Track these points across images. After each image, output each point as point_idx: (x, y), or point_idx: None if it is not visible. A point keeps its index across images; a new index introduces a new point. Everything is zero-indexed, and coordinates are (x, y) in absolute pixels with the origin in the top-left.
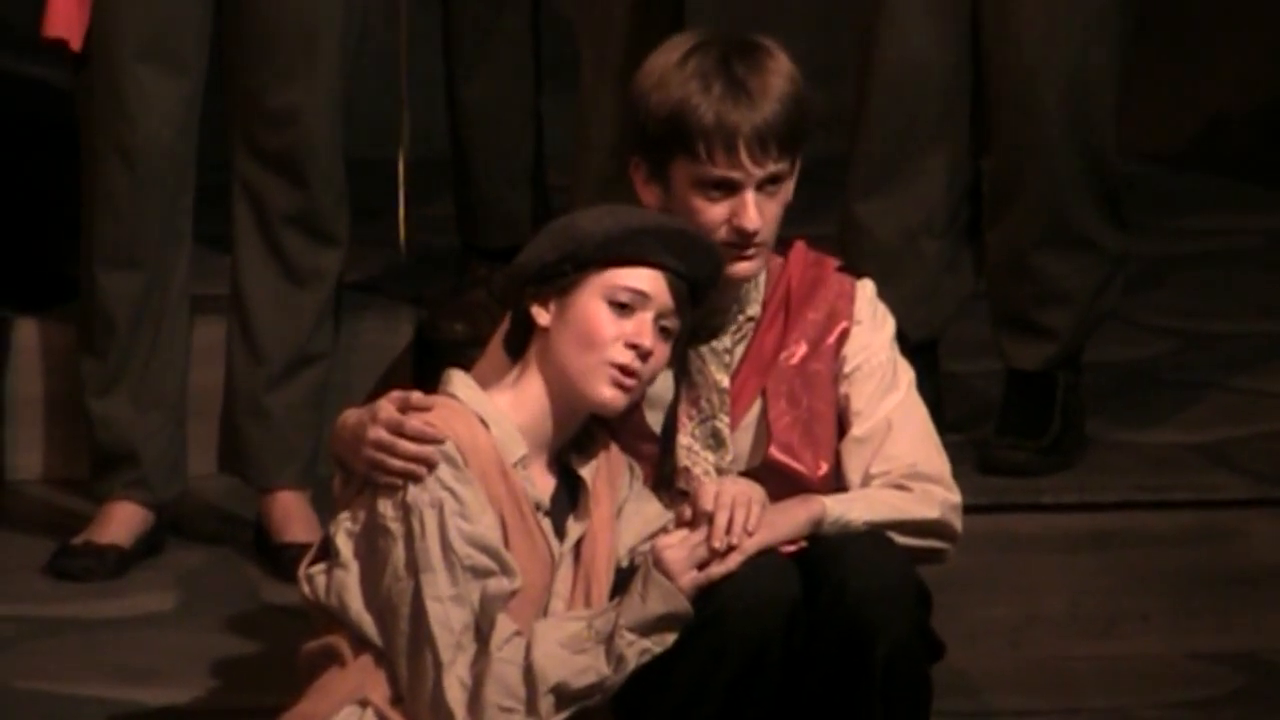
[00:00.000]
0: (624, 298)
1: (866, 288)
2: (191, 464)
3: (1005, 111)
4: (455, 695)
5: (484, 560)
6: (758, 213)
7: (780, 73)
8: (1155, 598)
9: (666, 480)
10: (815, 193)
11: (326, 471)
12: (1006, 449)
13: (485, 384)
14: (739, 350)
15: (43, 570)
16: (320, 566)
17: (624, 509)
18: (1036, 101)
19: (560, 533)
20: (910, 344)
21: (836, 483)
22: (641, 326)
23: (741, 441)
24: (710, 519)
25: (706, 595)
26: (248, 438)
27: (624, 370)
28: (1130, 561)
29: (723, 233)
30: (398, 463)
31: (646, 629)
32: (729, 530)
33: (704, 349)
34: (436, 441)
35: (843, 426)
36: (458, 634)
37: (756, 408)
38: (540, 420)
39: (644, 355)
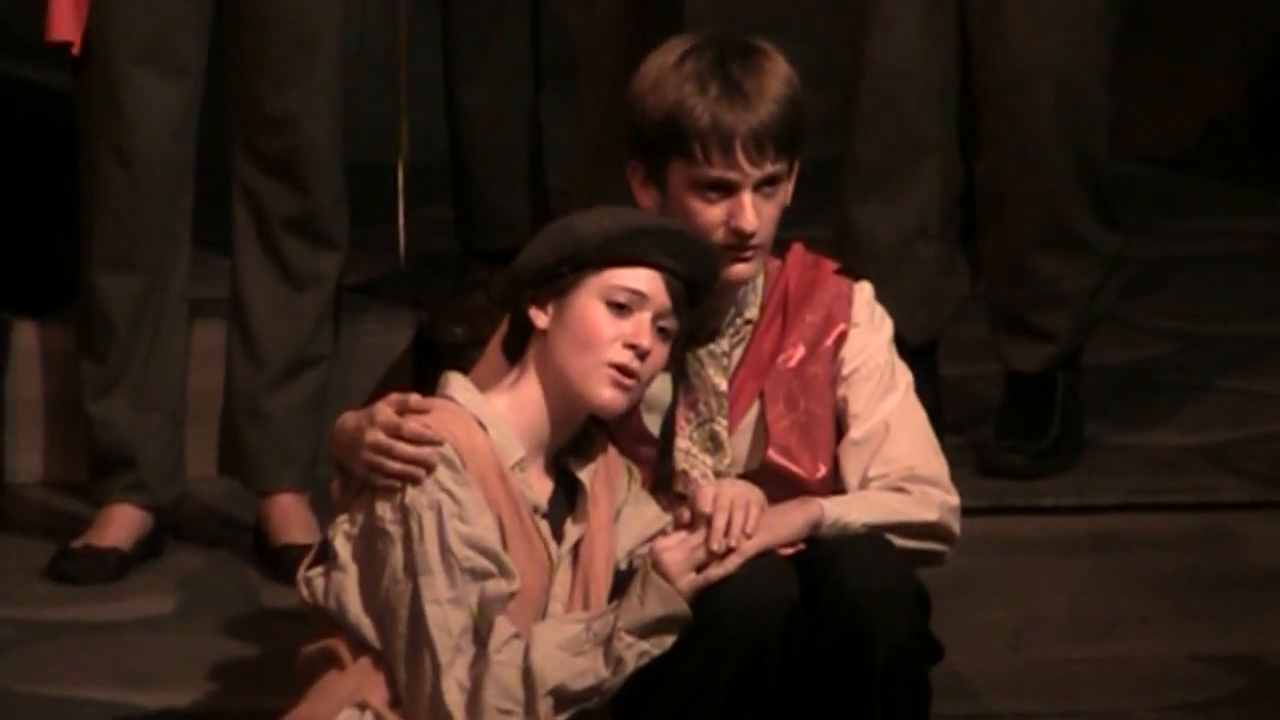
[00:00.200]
0: (622, 298)
1: (864, 290)
2: (191, 467)
3: (996, 114)
4: (454, 697)
5: (482, 562)
6: (755, 214)
7: (777, 74)
8: (1155, 600)
9: (665, 483)
10: (813, 195)
11: (326, 474)
12: (1006, 451)
13: (483, 387)
14: (737, 353)
15: (42, 574)
16: (319, 569)
17: (622, 511)
18: (1027, 104)
19: (558, 535)
20: (909, 347)
21: (835, 485)
22: (639, 327)
23: (739, 444)
24: (709, 521)
25: (705, 598)
26: (247, 441)
27: (622, 370)
28: (1129, 564)
29: (720, 234)
30: (396, 465)
31: (645, 631)
32: (727, 533)
33: (702, 352)
34: (435, 443)
35: (841, 429)
36: (456, 636)
37: (754, 410)
38: (538, 423)
39: (642, 355)
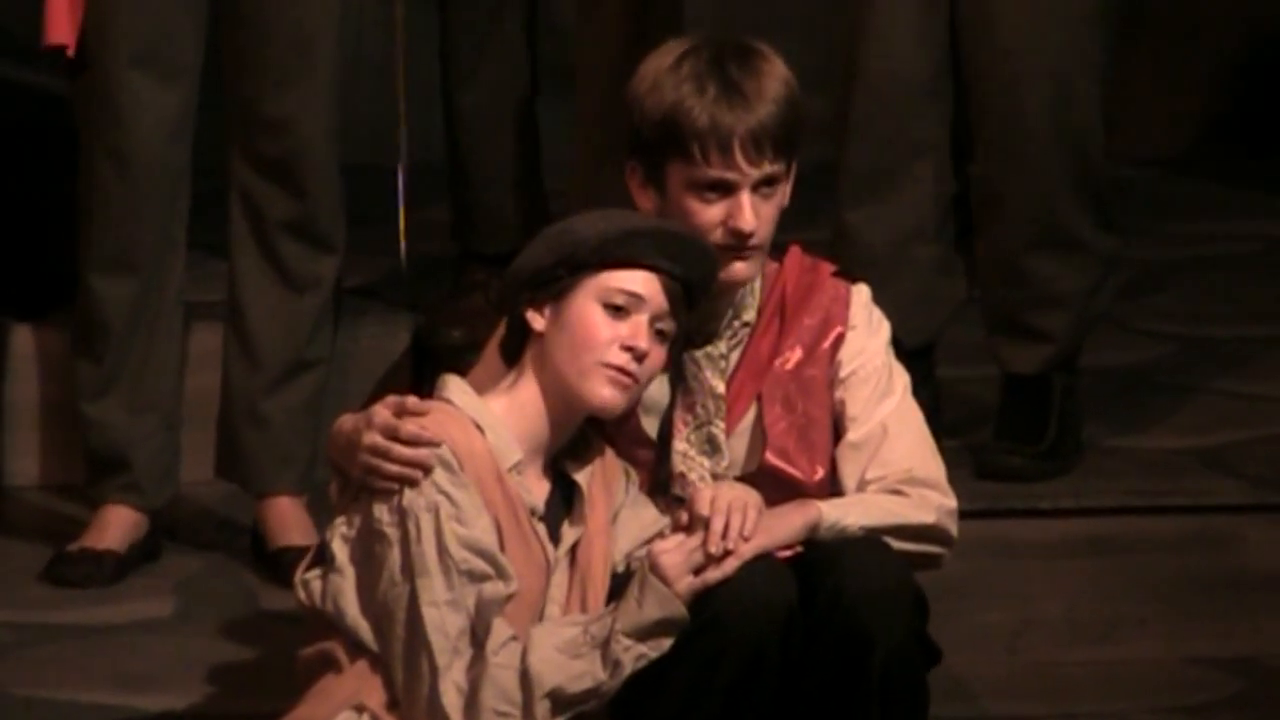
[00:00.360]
0: (619, 300)
1: (862, 292)
2: (189, 470)
3: (990, 117)
4: (451, 700)
5: (480, 564)
6: (753, 214)
7: (775, 75)
8: (1152, 603)
9: (663, 486)
10: (812, 197)
11: (324, 477)
12: (1003, 454)
13: (481, 389)
14: (734, 356)
15: (40, 577)
16: (316, 572)
17: (620, 514)
18: (1020, 105)
19: (555, 538)
20: (906, 349)
21: (832, 488)
22: (637, 329)
23: (737, 447)
24: (706, 524)
25: (703, 600)
26: (245, 444)
27: (620, 372)
28: (1127, 566)
29: (718, 235)
30: (393, 467)
31: (643, 634)
32: (725, 535)
33: (700, 354)
34: (432, 445)
35: (838, 431)
36: (454, 639)
37: (752, 413)
38: (536, 425)
39: (640, 357)
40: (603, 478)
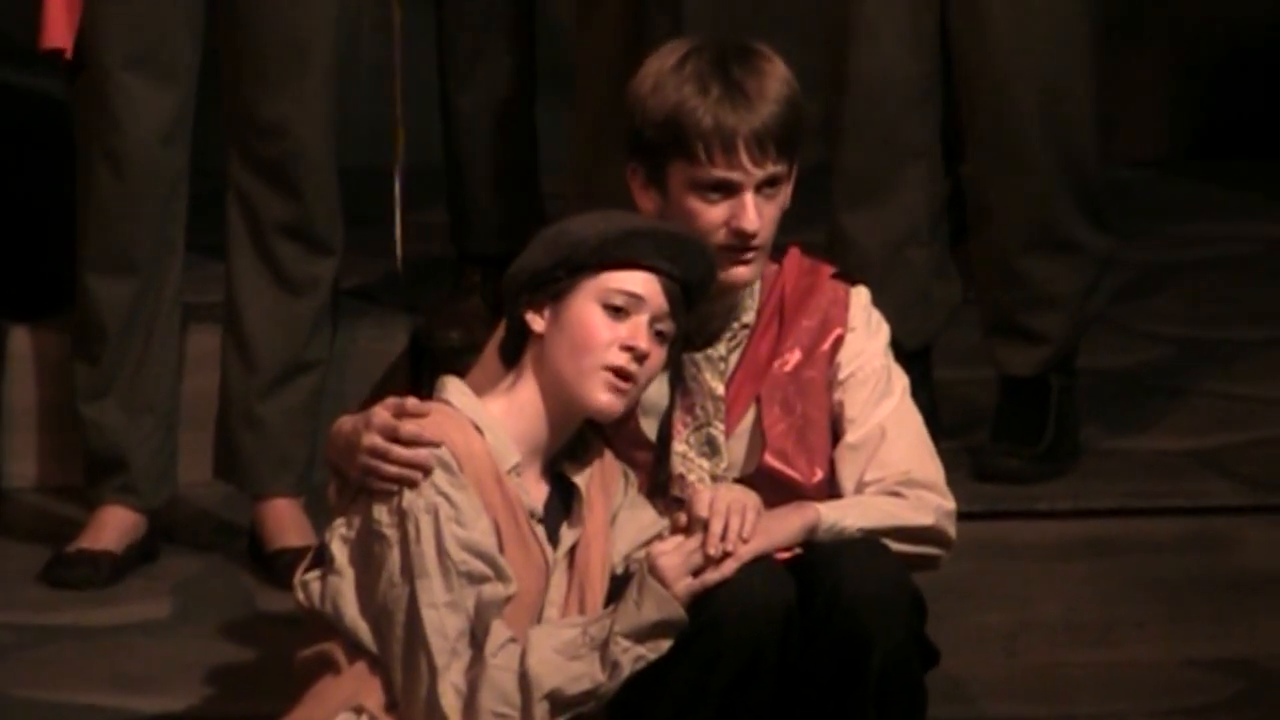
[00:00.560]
0: (618, 301)
1: (861, 294)
2: (186, 471)
3: (981, 118)
4: (450, 701)
5: (479, 566)
6: (756, 214)
7: (776, 76)
8: (1150, 604)
9: (661, 487)
10: (810, 199)
11: (321, 479)
12: (1001, 456)
13: (480, 391)
14: (733, 357)
15: (37, 578)
16: (315, 573)
17: (619, 516)
18: (1012, 107)
19: (554, 540)
20: (904, 352)
21: (831, 489)
22: (636, 329)
23: (736, 448)
24: (705, 526)
25: (701, 602)
26: (242, 445)
27: (619, 373)
28: (1125, 568)
29: (721, 235)
30: (392, 468)
31: (641, 636)
32: (724, 537)
33: (699, 356)
34: (431, 446)
35: (837, 433)
36: (453, 640)
37: (751, 415)
38: (535, 427)
39: (639, 358)
40: (601, 479)
